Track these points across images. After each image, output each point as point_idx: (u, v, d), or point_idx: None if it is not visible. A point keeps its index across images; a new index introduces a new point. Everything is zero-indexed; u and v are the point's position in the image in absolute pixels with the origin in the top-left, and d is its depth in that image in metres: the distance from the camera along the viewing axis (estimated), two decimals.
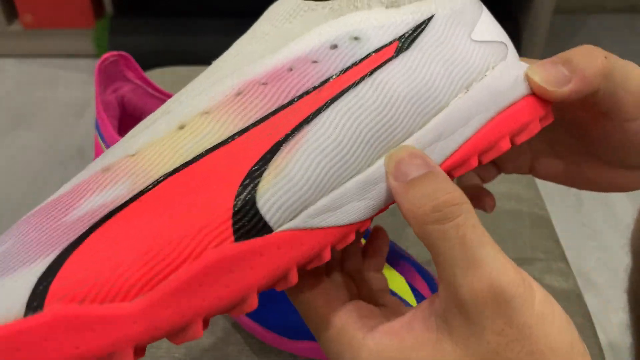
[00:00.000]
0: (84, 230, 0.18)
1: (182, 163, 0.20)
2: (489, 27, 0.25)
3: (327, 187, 0.21)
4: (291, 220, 0.20)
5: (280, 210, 0.20)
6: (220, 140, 0.20)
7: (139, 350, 0.17)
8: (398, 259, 0.36)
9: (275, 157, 0.20)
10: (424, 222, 0.21)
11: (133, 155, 0.20)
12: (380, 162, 0.22)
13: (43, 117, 1.30)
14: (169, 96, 0.44)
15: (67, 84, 1.41)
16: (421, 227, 0.21)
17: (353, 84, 0.22)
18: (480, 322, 0.20)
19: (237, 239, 0.19)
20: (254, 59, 0.23)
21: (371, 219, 0.23)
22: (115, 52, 0.41)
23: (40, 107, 1.33)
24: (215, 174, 0.20)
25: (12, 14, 1.45)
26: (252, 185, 0.20)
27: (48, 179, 1.14)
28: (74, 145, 1.23)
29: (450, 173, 0.24)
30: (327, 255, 0.21)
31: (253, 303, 0.19)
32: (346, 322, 0.23)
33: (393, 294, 0.34)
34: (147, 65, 0.60)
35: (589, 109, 0.26)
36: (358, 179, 0.22)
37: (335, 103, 0.21)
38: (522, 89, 0.24)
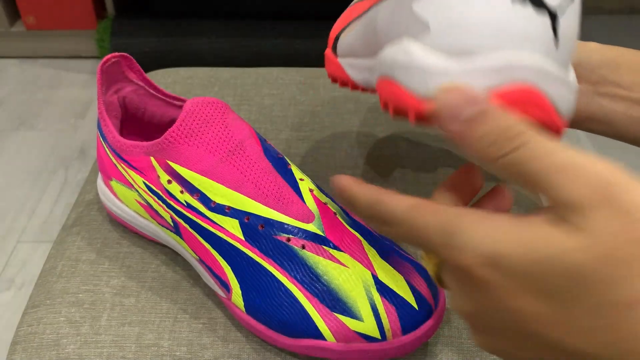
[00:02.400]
0: None
1: None
2: None
3: (355, 53, 0.35)
4: (340, 57, 0.39)
5: (339, 49, 0.39)
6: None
7: None
8: (398, 258, 0.37)
9: (355, 20, 0.36)
10: (498, 157, 0.21)
11: None
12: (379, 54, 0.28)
13: (45, 118, 1.30)
14: (170, 97, 0.44)
15: (69, 84, 1.41)
16: (496, 163, 0.21)
17: None
18: (598, 215, 0.20)
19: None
20: None
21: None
22: (117, 54, 0.42)
23: (43, 108, 1.34)
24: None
25: (14, 16, 1.45)
26: (343, 29, 0.39)
27: (50, 179, 1.15)
28: (76, 145, 1.23)
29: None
30: (351, 86, 0.39)
31: None
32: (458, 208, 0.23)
33: (391, 291, 0.34)
34: (148, 67, 0.60)
35: None
36: (366, 61, 0.34)
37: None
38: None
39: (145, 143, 0.38)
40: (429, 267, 0.26)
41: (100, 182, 0.45)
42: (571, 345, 0.21)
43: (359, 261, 0.35)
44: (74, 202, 0.49)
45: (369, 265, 0.35)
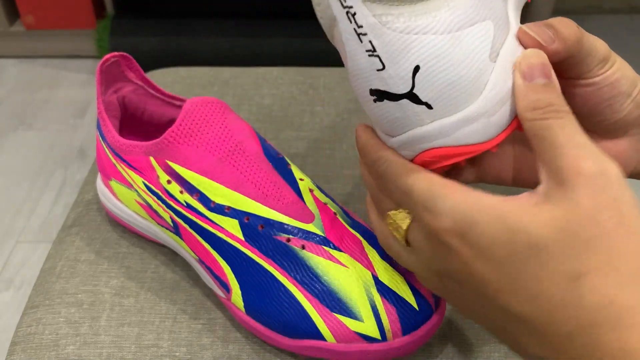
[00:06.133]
0: None
1: None
2: None
3: None
4: None
5: None
6: None
7: None
8: None
9: None
10: (538, 116, 0.26)
11: None
12: None
13: (44, 118, 1.30)
14: (170, 97, 0.44)
15: (69, 84, 1.41)
16: (533, 119, 0.26)
17: None
18: (578, 190, 0.24)
19: None
20: None
21: None
22: (116, 53, 0.42)
23: (42, 108, 1.33)
24: None
25: (13, 15, 1.45)
26: None
27: (49, 179, 1.14)
28: (75, 145, 1.23)
29: None
30: None
31: None
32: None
33: (391, 292, 0.34)
34: (148, 66, 0.60)
35: (563, 74, 0.31)
36: None
37: None
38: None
39: (144, 143, 0.38)
40: (398, 225, 0.29)
41: (99, 182, 0.45)
42: (517, 309, 0.24)
43: (359, 261, 0.35)
44: (73, 202, 0.49)
45: (369, 266, 0.35)
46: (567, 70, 0.31)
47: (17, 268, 0.98)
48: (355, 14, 0.25)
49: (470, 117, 0.26)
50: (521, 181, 0.35)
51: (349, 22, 0.25)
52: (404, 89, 0.26)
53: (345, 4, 0.25)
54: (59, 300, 0.40)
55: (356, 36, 0.25)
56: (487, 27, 0.26)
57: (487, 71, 0.26)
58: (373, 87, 0.26)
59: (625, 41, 1.55)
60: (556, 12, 1.51)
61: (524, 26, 0.28)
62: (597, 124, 0.32)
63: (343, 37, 0.26)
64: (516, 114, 0.27)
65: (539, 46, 0.28)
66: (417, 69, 0.25)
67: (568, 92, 0.32)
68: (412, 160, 0.28)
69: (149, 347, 0.37)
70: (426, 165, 0.28)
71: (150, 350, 0.37)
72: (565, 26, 0.29)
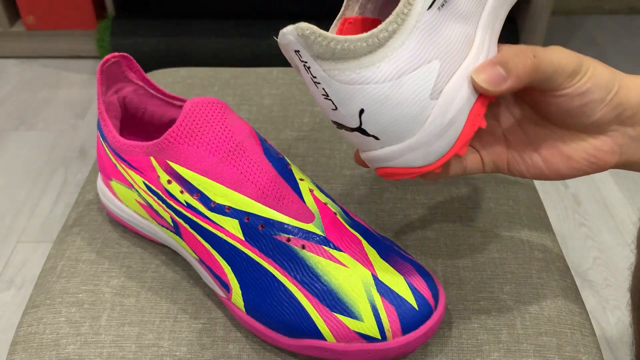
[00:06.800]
0: None
1: None
2: None
3: None
4: None
5: None
6: None
7: None
8: (398, 259, 0.37)
9: None
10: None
11: None
12: None
13: (45, 118, 1.30)
14: (170, 97, 0.44)
15: (69, 84, 1.41)
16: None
17: None
18: None
19: None
20: None
21: None
22: (117, 54, 0.42)
23: (43, 108, 1.33)
24: None
25: (14, 15, 1.45)
26: None
27: (50, 179, 1.15)
28: (75, 145, 1.23)
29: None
30: None
31: None
32: None
33: (391, 291, 0.34)
34: (148, 66, 0.60)
35: (533, 90, 0.33)
36: None
37: None
38: None
39: (145, 143, 0.38)
40: None
41: (100, 182, 0.45)
42: None
43: (359, 261, 0.35)
44: (74, 202, 0.49)
45: (369, 265, 0.35)
46: (536, 87, 0.32)
47: (18, 268, 0.98)
48: (309, 67, 0.29)
49: (412, 146, 0.30)
50: (514, 171, 0.36)
51: (306, 72, 0.30)
52: (354, 124, 0.30)
53: (302, 59, 0.29)
54: (59, 300, 0.40)
55: (313, 83, 0.30)
56: (431, 69, 0.29)
57: (427, 108, 0.29)
58: (333, 120, 0.31)
59: (625, 41, 1.55)
60: (556, 13, 1.51)
61: (474, 70, 0.30)
62: (574, 125, 0.34)
63: (305, 80, 0.30)
64: (455, 142, 0.31)
65: (487, 92, 0.30)
66: (362, 111, 0.29)
67: (541, 101, 0.34)
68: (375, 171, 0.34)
69: (150, 347, 0.37)
70: (385, 177, 0.33)
71: (150, 350, 0.37)
72: (518, 61, 0.30)
